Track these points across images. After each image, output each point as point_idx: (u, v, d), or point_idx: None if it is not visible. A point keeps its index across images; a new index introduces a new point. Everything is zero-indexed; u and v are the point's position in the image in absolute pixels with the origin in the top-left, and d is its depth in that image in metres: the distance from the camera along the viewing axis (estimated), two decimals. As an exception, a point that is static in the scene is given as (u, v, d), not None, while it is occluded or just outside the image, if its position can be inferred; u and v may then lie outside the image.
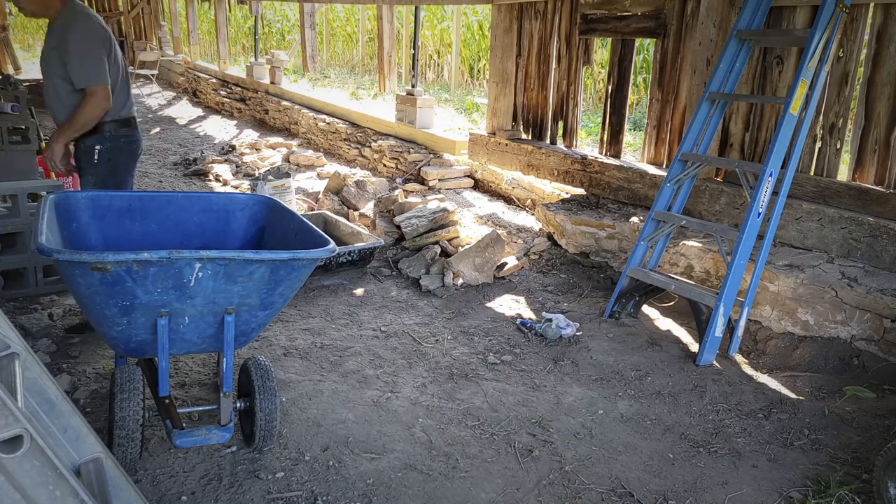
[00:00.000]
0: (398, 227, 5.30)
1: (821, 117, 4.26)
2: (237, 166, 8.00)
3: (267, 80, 11.43)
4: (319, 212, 5.73)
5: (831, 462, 2.87)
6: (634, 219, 4.87)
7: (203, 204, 3.17)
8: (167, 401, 2.72)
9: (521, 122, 6.46)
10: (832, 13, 3.70)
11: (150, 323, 2.45)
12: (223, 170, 7.78)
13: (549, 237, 5.41)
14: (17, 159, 4.62)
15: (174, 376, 3.34)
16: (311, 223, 2.92)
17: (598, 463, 2.86)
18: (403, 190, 6.64)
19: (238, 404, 2.78)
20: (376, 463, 2.76)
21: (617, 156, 5.60)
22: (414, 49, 7.99)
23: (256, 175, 6.17)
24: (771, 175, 3.72)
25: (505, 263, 4.94)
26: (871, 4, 3.97)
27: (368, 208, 5.96)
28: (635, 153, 7.54)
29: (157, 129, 10.52)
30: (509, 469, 2.79)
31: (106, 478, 1.90)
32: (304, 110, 9.82)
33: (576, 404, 3.29)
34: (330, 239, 2.71)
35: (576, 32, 5.71)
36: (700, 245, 4.37)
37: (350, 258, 4.81)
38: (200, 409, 2.94)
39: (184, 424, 2.63)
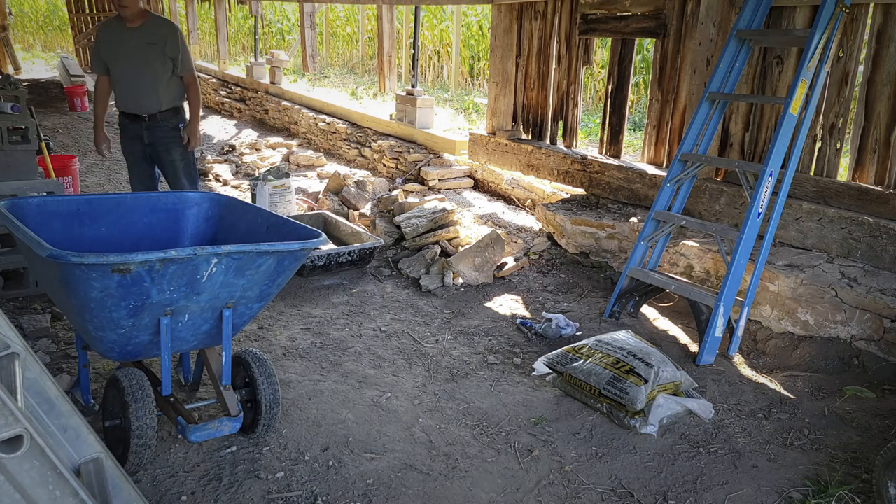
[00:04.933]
0: (398, 227, 5.30)
1: (821, 117, 4.26)
2: (237, 166, 8.00)
3: (267, 80, 11.43)
4: (319, 212, 5.73)
5: (831, 462, 2.87)
6: (634, 219, 4.87)
7: (152, 204, 3.13)
8: (172, 399, 2.73)
9: (521, 122, 6.46)
10: (832, 13, 3.70)
11: (152, 323, 2.45)
12: (223, 170, 7.78)
13: (549, 237, 5.41)
14: (17, 159, 4.62)
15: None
16: (283, 216, 2.93)
17: (598, 462, 2.86)
18: (403, 190, 6.64)
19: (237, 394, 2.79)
20: (376, 463, 2.76)
21: (617, 156, 5.60)
22: (414, 49, 7.98)
23: (256, 175, 6.17)
24: (771, 175, 3.72)
25: (505, 263, 4.94)
26: (871, 4, 3.97)
27: (368, 208, 5.97)
28: (635, 153, 7.54)
29: (157, 129, 10.51)
30: (509, 469, 2.79)
31: (106, 478, 1.90)
32: (304, 110, 9.81)
33: (576, 404, 3.29)
34: (317, 230, 2.71)
35: (576, 32, 5.71)
36: (700, 245, 4.37)
37: (350, 258, 4.81)
38: (201, 404, 2.95)
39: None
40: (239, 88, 12.15)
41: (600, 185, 5.45)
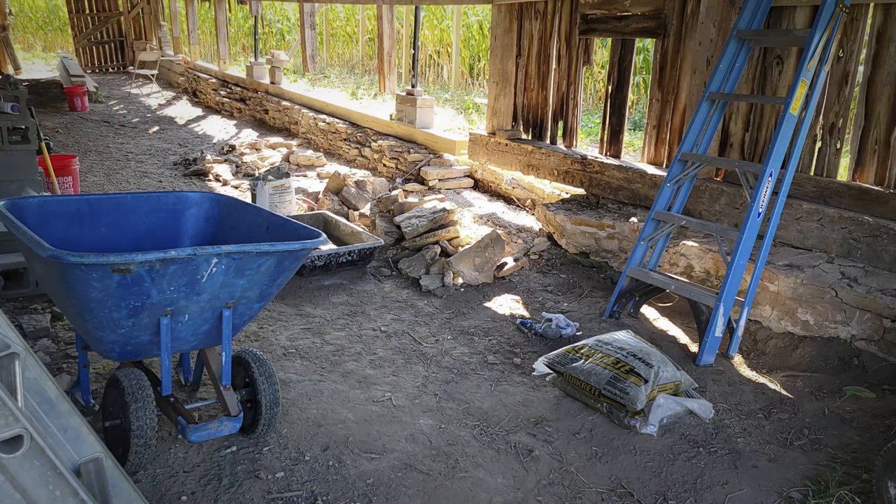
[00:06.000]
0: (398, 227, 5.30)
1: (821, 117, 4.26)
2: (237, 166, 8.00)
3: (267, 80, 11.43)
4: (319, 212, 5.73)
5: (831, 462, 2.87)
6: (634, 219, 4.87)
7: (153, 204, 3.13)
8: (172, 399, 2.73)
9: (521, 122, 6.46)
10: (832, 13, 3.70)
11: (152, 323, 2.45)
12: (223, 170, 7.78)
13: (549, 237, 5.41)
14: (17, 159, 4.62)
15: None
16: (283, 216, 2.93)
17: (598, 462, 2.86)
18: (403, 190, 6.64)
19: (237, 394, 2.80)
20: (376, 463, 2.76)
21: (617, 156, 5.60)
22: (414, 49, 7.98)
23: (256, 175, 6.17)
24: (771, 175, 3.72)
25: (505, 263, 4.94)
26: (871, 4, 3.97)
27: (368, 208, 5.96)
28: (635, 153, 7.54)
29: (156, 129, 10.53)
30: (509, 469, 2.79)
31: (106, 478, 1.90)
32: (304, 110, 9.82)
33: (576, 404, 3.29)
34: (317, 230, 2.71)
35: (576, 32, 5.71)
36: (700, 245, 4.37)
37: (350, 258, 4.81)
38: (201, 404, 2.96)
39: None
40: (239, 88, 12.16)
41: (600, 185, 5.45)
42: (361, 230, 5.21)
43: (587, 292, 4.68)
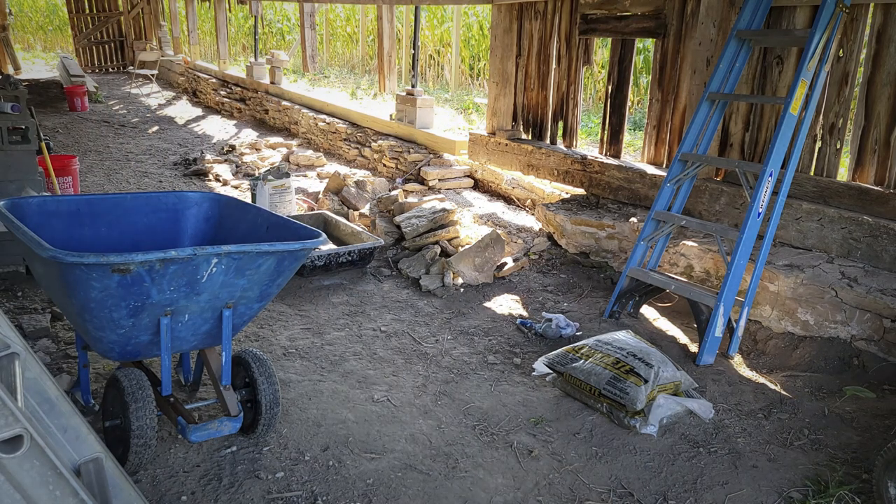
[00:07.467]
0: (398, 227, 5.30)
1: (821, 117, 4.26)
2: (237, 166, 8.00)
3: (267, 80, 11.43)
4: (319, 212, 5.73)
5: (831, 462, 2.87)
6: (634, 219, 4.87)
7: (153, 204, 3.14)
8: (172, 399, 2.73)
9: (521, 122, 6.46)
10: (832, 13, 3.70)
11: (152, 323, 2.45)
12: (223, 170, 7.78)
13: (549, 237, 5.41)
14: (17, 159, 4.62)
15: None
16: (283, 216, 2.93)
17: (598, 462, 2.86)
18: (403, 190, 6.63)
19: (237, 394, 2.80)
20: (376, 463, 2.76)
21: (617, 156, 5.60)
22: (414, 49, 7.98)
23: (256, 175, 6.17)
24: (771, 175, 3.72)
25: (505, 263, 4.94)
26: (871, 4, 3.97)
27: (368, 208, 5.97)
28: (635, 153, 7.54)
29: (156, 129, 10.53)
30: (509, 469, 2.79)
31: (106, 478, 1.90)
32: (304, 110, 9.82)
33: (576, 404, 3.29)
34: (317, 230, 2.71)
35: (576, 32, 5.71)
36: (700, 245, 4.37)
37: (350, 258, 4.81)
38: (201, 404, 2.96)
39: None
40: (239, 88, 12.15)
41: (600, 185, 5.45)
42: (361, 230, 5.22)
43: (587, 292, 4.68)
